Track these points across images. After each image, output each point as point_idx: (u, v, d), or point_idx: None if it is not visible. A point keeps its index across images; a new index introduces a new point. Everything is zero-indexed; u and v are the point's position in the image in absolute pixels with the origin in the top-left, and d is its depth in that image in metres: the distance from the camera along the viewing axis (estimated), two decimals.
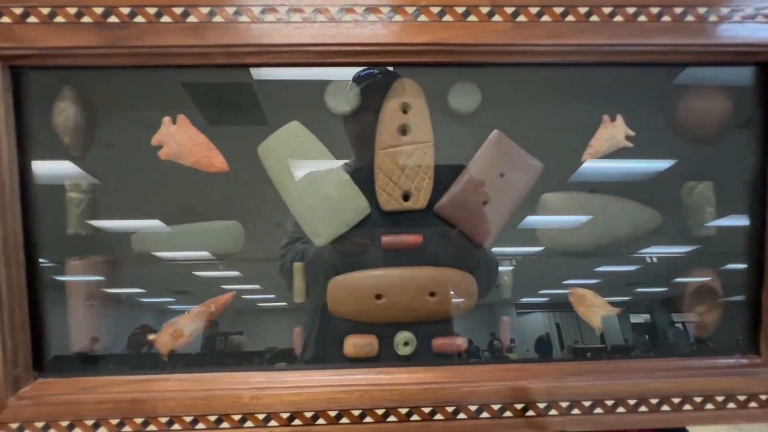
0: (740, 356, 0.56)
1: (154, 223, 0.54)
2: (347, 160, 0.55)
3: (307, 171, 0.53)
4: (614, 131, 0.54)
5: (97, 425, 0.49)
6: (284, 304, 0.56)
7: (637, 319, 0.58)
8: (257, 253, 0.57)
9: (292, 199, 0.53)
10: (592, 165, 0.55)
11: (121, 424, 0.49)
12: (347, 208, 0.53)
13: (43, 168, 0.51)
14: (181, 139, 0.51)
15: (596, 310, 0.56)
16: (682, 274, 0.58)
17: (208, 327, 0.54)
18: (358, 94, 0.53)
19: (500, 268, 0.57)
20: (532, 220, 0.56)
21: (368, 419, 0.51)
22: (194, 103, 0.53)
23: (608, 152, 0.54)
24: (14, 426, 0.49)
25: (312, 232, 0.53)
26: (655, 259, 0.57)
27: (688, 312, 0.57)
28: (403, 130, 0.53)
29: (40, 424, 0.49)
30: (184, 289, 0.56)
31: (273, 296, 0.57)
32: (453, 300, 0.54)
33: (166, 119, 0.52)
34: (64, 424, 0.49)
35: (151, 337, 0.53)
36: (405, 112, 0.53)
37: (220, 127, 0.54)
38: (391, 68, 0.53)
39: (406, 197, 0.53)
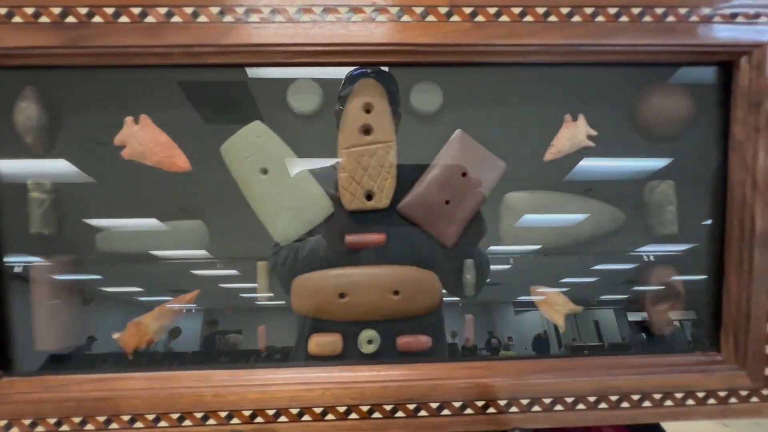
0: (701, 353, 0.57)
1: (150, 222, 0.54)
2: (337, 160, 0.55)
3: (270, 170, 0.53)
4: (576, 131, 0.54)
5: (59, 423, 0.50)
6: (282, 302, 0.56)
7: (634, 317, 0.58)
8: (254, 252, 0.57)
9: (254, 199, 0.53)
10: (587, 164, 0.56)
11: (83, 423, 0.50)
12: (310, 207, 0.54)
13: (7, 167, 0.52)
14: (143, 139, 0.52)
15: (559, 308, 0.56)
16: (644, 272, 0.58)
17: (206, 326, 0.55)
18: (320, 94, 0.53)
19: (492, 267, 0.57)
20: (528, 218, 0.57)
21: (330, 417, 0.51)
22: (159, 102, 0.53)
23: (570, 152, 0.55)
24: None
25: (274, 231, 0.54)
26: (652, 257, 0.57)
27: (650, 310, 0.58)
28: (366, 130, 0.53)
29: (2, 423, 0.49)
30: (181, 288, 0.56)
31: (272, 294, 0.57)
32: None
33: (128, 119, 0.52)
34: (27, 422, 0.49)
35: (115, 336, 0.53)
36: (368, 111, 0.53)
37: (186, 126, 0.54)
38: (386, 68, 0.53)
39: (369, 197, 0.54)
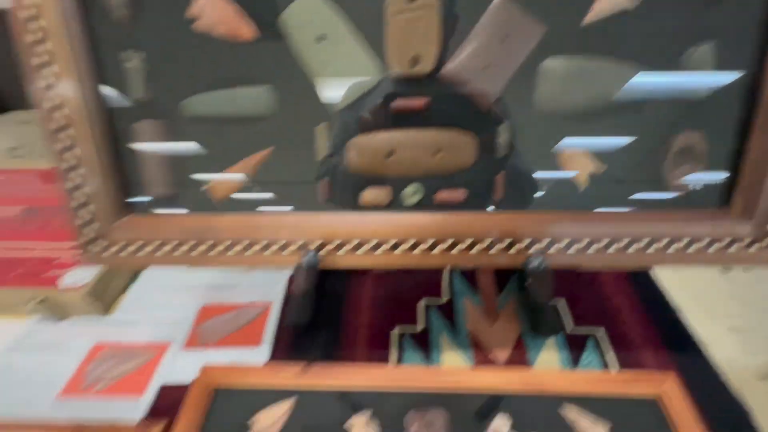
0: (715, 209, 0.63)
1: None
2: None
3: (327, 37, 0.59)
4: None
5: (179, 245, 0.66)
6: None
7: None
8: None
9: (311, 66, 0.60)
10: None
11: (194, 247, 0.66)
12: (361, 74, 0.60)
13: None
14: (211, 11, 0.58)
15: (583, 168, 0.63)
16: (670, 137, 0.62)
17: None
18: None
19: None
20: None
21: (380, 250, 0.64)
22: None
23: (610, 14, 0.56)
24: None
25: (325, 96, 0.61)
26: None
27: (671, 172, 0.63)
28: None
29: (136, 245, 0.66)
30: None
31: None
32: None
33: None
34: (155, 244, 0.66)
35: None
36: None
37: None
38: None
39: (414, 62, 0.59)
